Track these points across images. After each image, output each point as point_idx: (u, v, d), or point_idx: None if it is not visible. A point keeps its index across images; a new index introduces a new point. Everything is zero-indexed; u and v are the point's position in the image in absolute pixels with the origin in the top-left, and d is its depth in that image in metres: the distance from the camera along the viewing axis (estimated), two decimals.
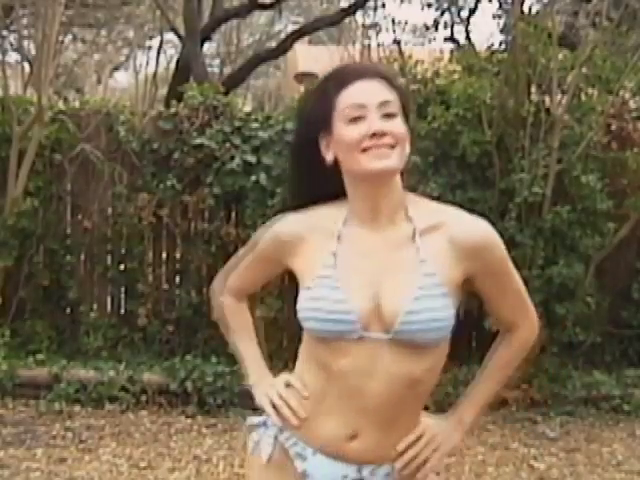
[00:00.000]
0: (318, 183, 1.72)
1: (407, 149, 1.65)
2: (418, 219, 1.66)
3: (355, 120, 1.60)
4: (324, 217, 1.69)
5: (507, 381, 1.83)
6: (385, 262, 1.63)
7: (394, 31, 7.71)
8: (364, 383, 1.61)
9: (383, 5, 10.80)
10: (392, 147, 1.60)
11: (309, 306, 1.63)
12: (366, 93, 1.61)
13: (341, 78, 1.65)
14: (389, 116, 1.61)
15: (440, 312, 1.60)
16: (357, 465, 1.66)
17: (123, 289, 6.12)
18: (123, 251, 6.00)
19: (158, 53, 15.51)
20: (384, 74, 1.66)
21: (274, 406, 1.72)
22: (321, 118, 1.65)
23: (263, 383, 1.81)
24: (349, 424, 1.64)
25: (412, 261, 1.62)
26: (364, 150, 1.60)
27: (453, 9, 11.45)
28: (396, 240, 1.65)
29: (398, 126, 1.62)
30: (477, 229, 1.66)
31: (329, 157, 1.66)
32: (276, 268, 1.81)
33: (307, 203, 1.73)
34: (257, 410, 1.79)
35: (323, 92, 1.66)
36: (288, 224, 1.74)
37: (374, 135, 1.58)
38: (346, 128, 1.61)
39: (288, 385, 1.73)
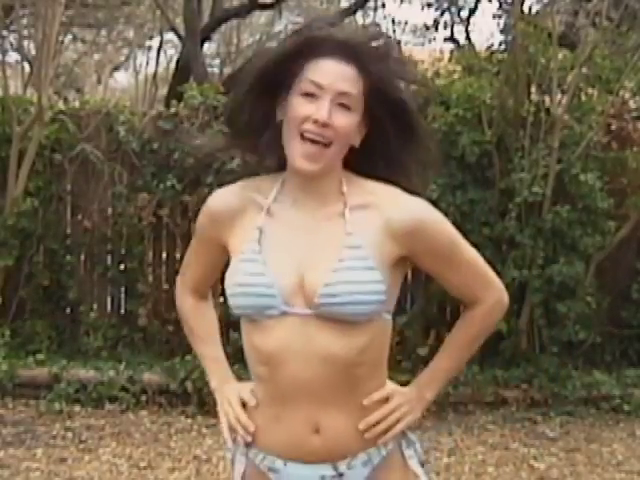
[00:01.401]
0: (267, 139, 1.65)
1: (347, 144, 1.60)
2: (351, 196, 1.61)
3: (309, 96, 1.56)
4: (257, 190, 1.65)
5: (471, 357, 1.76)
6: (311, 237, 1.59)
7: (394, 31, 7.74)
8: (302, 370, 1.55)
9: (383, 5, 10.83)
10: (327, 145, 1.56)
11: (232, 281, 1.59)
12: (330, 76, 1.56)
13: (320, 44, 1.58)
14: (342, 107, 1.56)
15: (363, 285, 1.53)
16: (332, 463, 1.60)
17: (123, 289, 6.12)
18: (123, 251, 6.00)
19: (158, 53, 15.53)
20: (363, 59, 1.58)
21: (229, 425, 1.67)
22: (287, 73, 1.59)
23: (224, 389, 1.75)
24: (305, 419, 1.57)
25: (338, 235, 1.57)
26: (302, 135, 1.56)
27: (453, 9, 11.46)
28: (325, 215, 1.60)
29: (345, 121, 1.56)
30: (411, 211, 1.60)
31: (278, 116, 1.62)
32: (219, 250, 1.71)
33: (257, 163, 1.70)
34: None
35: (295, 51, 1.58)
36: (220, 197, 1.69)
37: (316, 121, 1.54)
38: (297, 100, 1.57)
39: (242, 399, 1.67)
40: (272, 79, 1.60)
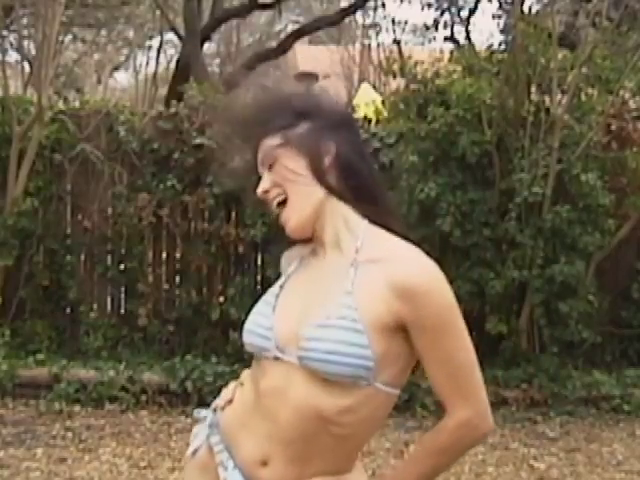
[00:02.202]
0: None
1: (304, 189, 1.61)
2: (365, 249, 1.56)
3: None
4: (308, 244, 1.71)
5: (445, 469, 1.57)
6: (319, 289, 1.58)
7: (394, 31, 7.75)
8: (278, 408, 1.54)
9: (383, 5, 10.85)
10: (283, 203, 1.62)
11: (249, 318, 1.67)
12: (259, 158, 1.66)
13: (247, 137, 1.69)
14: (270, 167, 1.64)
15: (345, 347, 1.46)
16: None
17: (123, 289, 6.12)
18: (123, 251, 6.01)
19: (158, 53, 15.56)
20: (259, 125, 1.65)
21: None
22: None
23: None
24: (261, 448, 1.57)
25: (339, 291, 1.53)
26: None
27: (453, 9, 11.46)
28: (336, 268, 1.58)
29: (273, 176, 1.62)
30: (417, 269, 1.50)
31: None
32: None
33: None
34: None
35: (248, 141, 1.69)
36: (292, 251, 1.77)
37: (262, 194, 1.64)
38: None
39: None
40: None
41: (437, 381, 1.52)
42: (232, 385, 1.72)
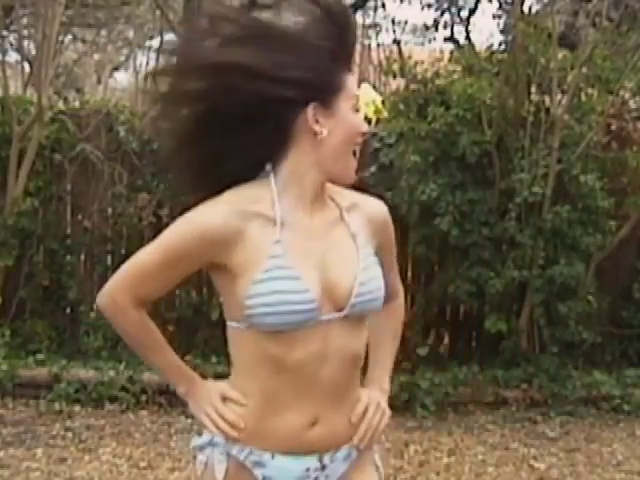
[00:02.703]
0: (246, 152, 1.61)
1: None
2: (339, 200, 1.70)
3: (356, 111, 1.64)
4: (253, 201, 1.59)
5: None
6: (325, 241, 1.63)
7: (394, 31, 7.74)
8: (319, 369, 1.60)
9: (383, 5, 10.82)
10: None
11: (266, 301, 1.54)
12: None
13: (347, 50, 1.62)
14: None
15: (380, 280, 1.66)
16: (318, 454, 1.65)
17: None
18: (123, 251, 6.00)
19: (158, 53, 15.50)
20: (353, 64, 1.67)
21: (213, 423, 1.66)
22: (321, 86, 1.56)
23: (197, 391, 1.73)
24: (308, 413, 1.62)
25: (346, 237, 1.66)
26: (354, 151, 1.64)
27: (453, 9, 11.45)
28: (329, 220, 1.66)
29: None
30: (382, 207, 1.78)
31: (323, 132, 1.58)
32: (195, 268, 1.66)
33: (222, 179, 1.63)
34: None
35: (325, 58, 1.56)
36: (216, 216, 1.57)
37: (364, 134, 1.64)
38: (354, 116, 1.62)
39: (224, 398, 1.68)
40: (306, 92, 1.57)
41: (392, 280, 1.82)
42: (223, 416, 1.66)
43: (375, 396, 1.74)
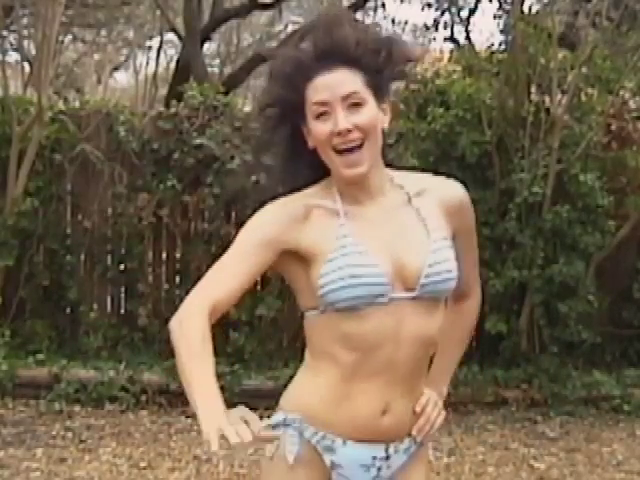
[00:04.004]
0: (303, 165, 1.73)
1: (379, 131, 1.67)
2: (406, 186, 1.73)
3: (322, 115, 1.64)
4: (316, 197, 1.69)
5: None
6: (391, 226, 1.68)
7: (394, 31, 7.71)
8: (392, 351, 1.63)
9: (383, 5, 10.80)
10: (360, 145, 1.64)
11: (338, 275, 1.61)
12: (328, 88, 1.63)
13: (306, 67, 1.65)
14: (355, 105, 1.63)
15: (451, 263, 1.68)
16: (385, 444, 1.69)
17: (123, 289, 6.12)
18: (123, 251, 6.00)
19: (158, 53, 15.55)
20: (347, 57, 1.64)
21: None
22: (296, 107, 1.68)
23: (213, 417, 1.41)
24: (380, 399, 1.65)
25: (415, 221, 1.69)
26: (336, 150, 1.64)
27: (453, 9, 11.43)
28: (393, 206, 1.70)
29: (364, 116, 1.64)
30: (458, 189, 1.79)
31: (310, 144, 1.69)
32: (266, 258, 1.65)
33: (293, 188, 1.72)
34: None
35: (292, 84, 1.67)
36: (285, 206, 1.68)
37: (340, 133, 1.62)
38: (315, 123, 1.65)
39: (245, 421, 1.41)
40: (286, 113, 1.70)
41: (469, 271, 1.83)
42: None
43: (434, 395, 1.79)
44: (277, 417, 1.71)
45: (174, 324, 1.62)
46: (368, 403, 1.65)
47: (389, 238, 1.66)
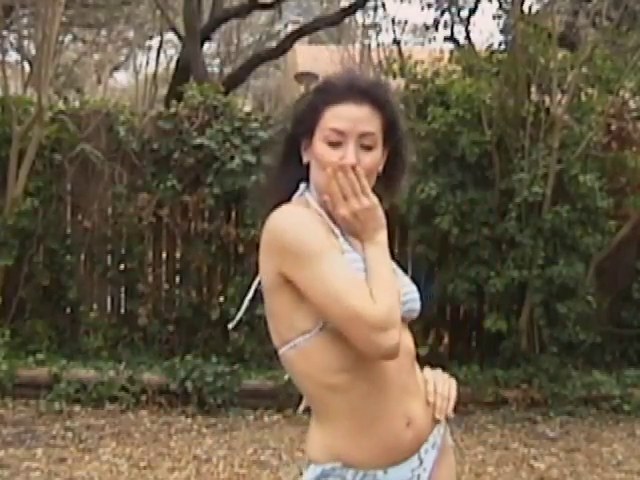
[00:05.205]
0: (293, 178, 1.76)
1: (374, 175, 1.71)
2: None
3: (333, 144, 1.66)
4: (313, 209, 1.71)
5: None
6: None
7: (394, 31, 7.73)
8: (406, 362, 1.68)
9: (383, 5, 10.80)
10: None
11: (404, 290, 1.73)
12: (350, 121, 1.66)
13: (334, 92, 1.69)
14: (366, 148, 1.67)
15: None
16: (417, 453, 1.69)
17: (123, 289, 6.12)
18: (123, 251, 6.00)
19: (158, 53, 15.54)
20: (377, 98, 1.69)
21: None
22: (307, 124, 1.71)
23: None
24: (400, 414, 1.66)
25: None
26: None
27: (453, 9, 11.45)
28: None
29: (371, 160, 1.68)
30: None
31: (305, 159, 1.73)
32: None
33: (281, 198, 1.75)
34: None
35: (313, 101, 1.72)
36: (301, 210, 1.69)
37: (343, 167, 1.63)
38: (322, 147, 1.67)
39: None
40: (297, 131, 1.74)
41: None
42: None
43: (431, 371, 1.81)
44: (314, 472, 1.65)
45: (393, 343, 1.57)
46: (390, 422, 1.64)
47: None
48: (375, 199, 1.65)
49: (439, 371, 1.82)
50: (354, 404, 1.61)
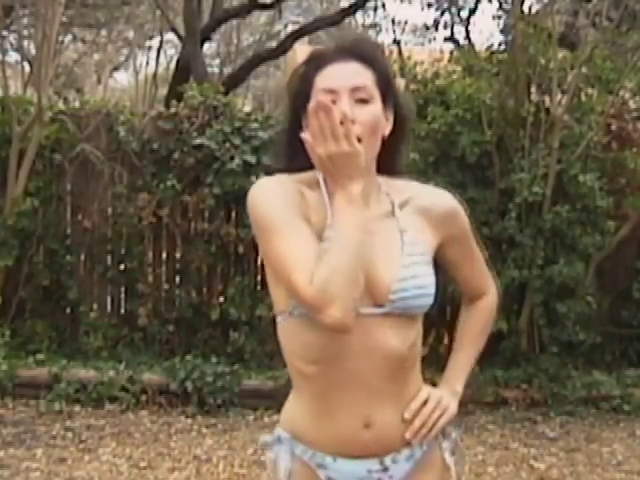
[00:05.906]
0: (300, 157, 1.64)
1: (378, 136, 1.62)
2: (392, 195, 1.69)
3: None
4: (302, 183, 1.64)
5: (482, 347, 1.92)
6: (369, 239, 1.58)
7: (394, 31, 7.74)
8: (361, 365, 1.58)
9: (383, 5, 10.83)
10: (358, 142, 1.54)
11: None
12: (338, 77, 1.60)
13: (320, 59, 1.65)
14: (362, 101, 1.59)
15: (427, 279, 1.62)
16: (379, 457, 1.64)
17: (123, 289, 6.12)
18: (123, 251, 6.00)
19: (158, 53, 15.57)
20: (363, 54, 1.63)
21: None
22: (302, 96, 1.64)
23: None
24: (359, 414, 1.60)
25: (394, 233, 1.64)
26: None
27: (453, 9, 11.46)
28: (375, 217, 1.63)
29: (368, 113, 1.59)
30: (445, 198, 1.77)
31: (305, 136, 1.58)
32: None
33: (287, 168, 1.70)
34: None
35: (304, 72, 1.66)
36: (283, 184, 1.62)
37: (342, 123, 1.50)
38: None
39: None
40: (295, 106, 1.68)
41: (474, 275, 1.83)
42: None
43: (437, 393, 1.71)
44: (272, 435, 1.72)
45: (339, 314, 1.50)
46: (347, 419, 1.60)
47: (367, 249, 1.57)
48: (359, 147, 1.51)
49: (445, 395, 1.73)
50: (316, 393, 1.62)
